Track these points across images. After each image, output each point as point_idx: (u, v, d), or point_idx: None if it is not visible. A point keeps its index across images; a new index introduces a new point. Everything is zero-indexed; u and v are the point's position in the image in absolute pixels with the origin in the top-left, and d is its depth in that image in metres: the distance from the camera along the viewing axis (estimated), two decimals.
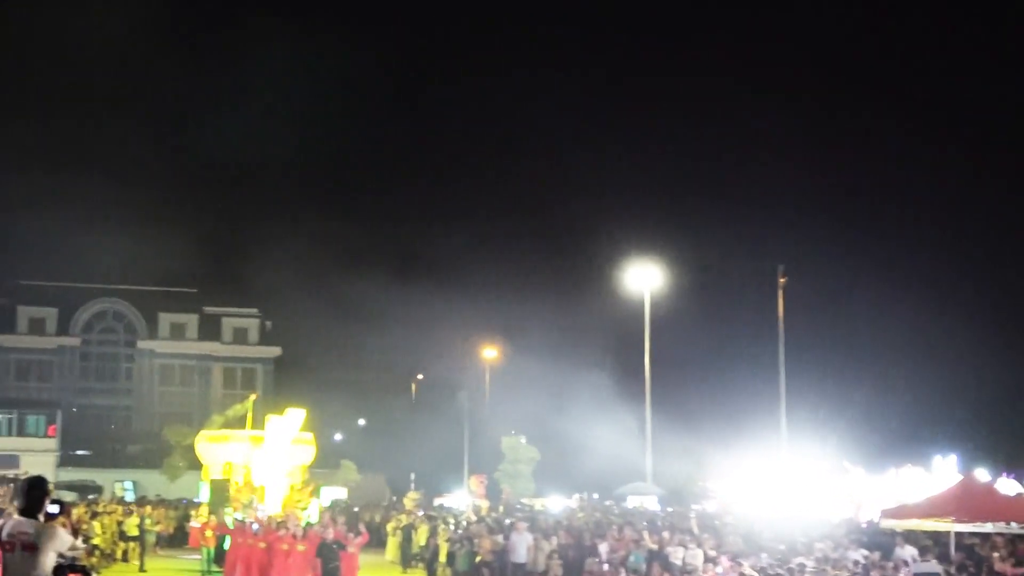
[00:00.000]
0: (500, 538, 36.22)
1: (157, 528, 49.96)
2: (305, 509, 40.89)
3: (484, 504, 51.89)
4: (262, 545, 32.04)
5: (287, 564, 30.77)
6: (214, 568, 38.09)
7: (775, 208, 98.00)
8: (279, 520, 33.85)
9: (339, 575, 30.59)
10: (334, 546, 31.06)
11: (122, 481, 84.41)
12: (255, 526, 34.31)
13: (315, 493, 45.16)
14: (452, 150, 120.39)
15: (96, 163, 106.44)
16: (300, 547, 30.94)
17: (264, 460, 44.21)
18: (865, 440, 56.76)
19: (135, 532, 44.68)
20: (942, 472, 42.45)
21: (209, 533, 39.09)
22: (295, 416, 45.27)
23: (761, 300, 62.42)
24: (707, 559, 33.45)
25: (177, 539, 52.36)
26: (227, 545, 37.88)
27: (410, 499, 60.06)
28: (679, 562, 33.47)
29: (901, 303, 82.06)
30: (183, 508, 57.08)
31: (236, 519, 36.50)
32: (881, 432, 60.97)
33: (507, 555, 35.44)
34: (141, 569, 41.32)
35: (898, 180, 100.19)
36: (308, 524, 34.98)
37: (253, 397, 58.91)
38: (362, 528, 36.02)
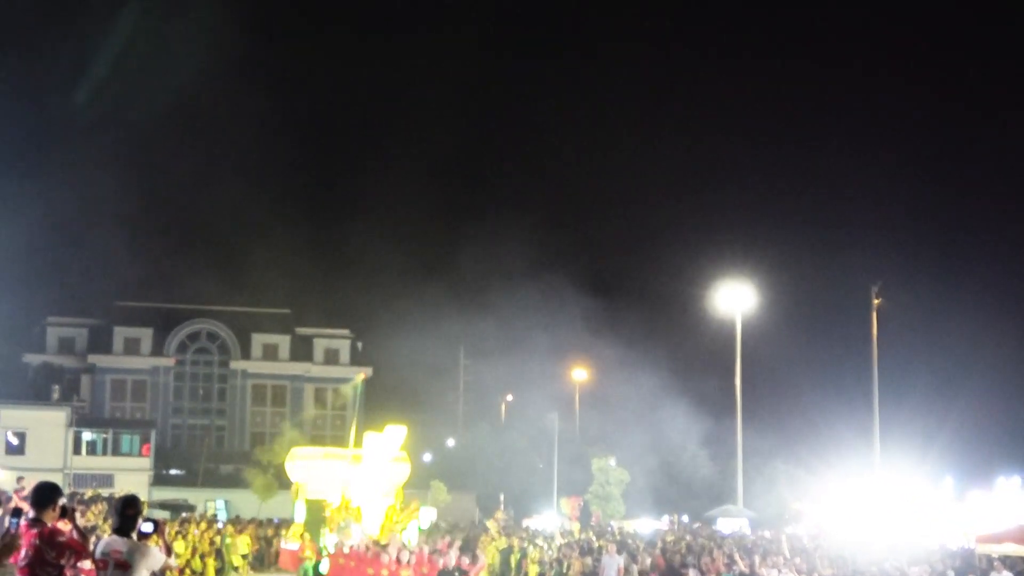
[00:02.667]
0: (590, 560, 36.11)
1: (244, 548, 49.30)
2: (404, 531, 39.03)
3: (575, 526, 51.61)
4: (370, 571, 29.98)
5: None
6: None
7: (870, 228, 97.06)
8: (383, 543, 32.59)
9: None
10: (455, 574, 28.84)
11: (214, 500, 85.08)
12: (350, 548, 33.06)
13: (415, 515, 42.23)
14: (541, 170, 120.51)
15: (190, 186, 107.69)
16: (404, 573, 29.28)
17: (361, 479, 42.20)
18: (957, 463, 55.93)
19: (229, 551, 44.88)
20: (1007, 493, 41.86)
21: (309, 554, 37.62)
22: (395, 433, 43.06)
23: (855, 321, 61.84)
24: None
25: (268, 560, 51.09)
26: (323, 568, 37.01)
27: (494, 520, 59.88)
28: None
29: (995, 325, 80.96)
30: (273, 528, 57.01)
31: (338, 543, 34.87)
32: (974, 454, 59.97)
33: None
34: None
35: (992, 201, 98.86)
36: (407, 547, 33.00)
37: (362, 376, 57.77)
38: (480, 554, 34.28)
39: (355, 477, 42.42)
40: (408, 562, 29.40)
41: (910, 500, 46.46)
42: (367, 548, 31.90)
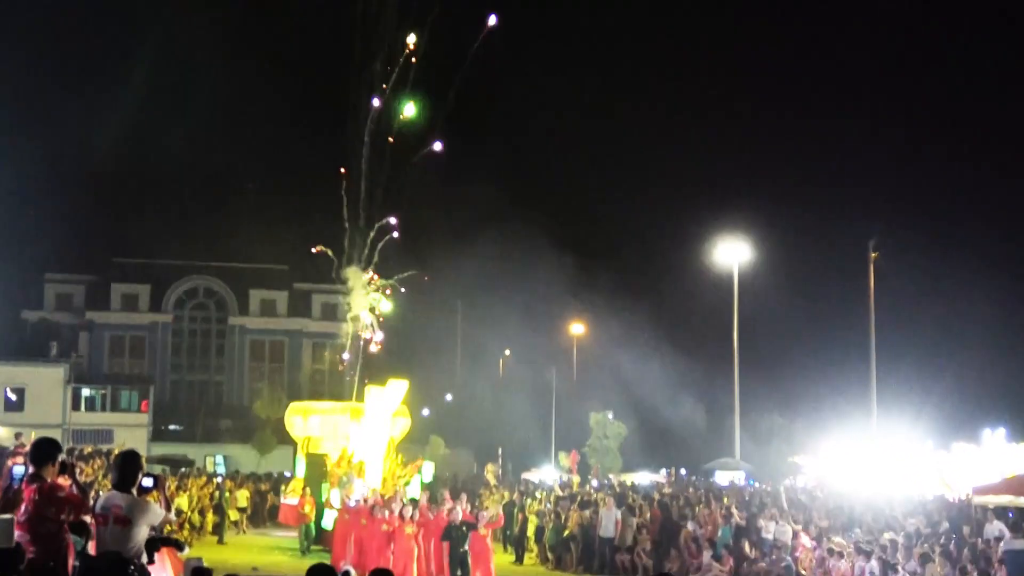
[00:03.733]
0: (588, 513, 36.24)
1: (243, 503, 49.10)
2: (408, 485, 38.30)
3: (575, 479, 51.79)
4: (384, 527, 29.27)
5: (403, 546, 28.78)
6: (314, 547, 36.58)
7: (867, 183, 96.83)
8: (387, 498, 31.91)
9: (468, 561, 27.85)
10: (463, 528, 28.21)
11: (213, 456, 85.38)
12: (354, 503, 32.48)
13: (419, 469, 41.71)
14: (536, 123, 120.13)
15: (188, 141, 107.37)
16: (408, 529, 28.87)
17: (363, 434, 42.01)
18: (955, 417, 56.10)
19: (228, 506, 44.93)
20: (992, 446, 42.06)
21: (308, 509, 37.32)
22: (398, 388, 42.61)
23: (852, 276, 61.87)
24: (796, 534, 33.33)
25: (268, 515, 50.82)
26: (325, 522, 37.01)
27: (490, 471, 59.98)
28: (769, 537, 33.38)
29: (992, 280, 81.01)
30: (268, 483, 57.06)
31: (347, 498, 33.67)
32: (972, 409, 60.16)
33: (594, 530, 35.50)
34: (220, 541, 40.83)
35: (991, 157, 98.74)
36: (412, 500, 32.66)
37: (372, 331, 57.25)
38: (499, 511, 34.40)
39: (356, 431, 42.24)
40: (412, 517, 29.11)
41: (906, 453, 46.55)
42: (370, 502, 31.45)
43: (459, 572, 27.52)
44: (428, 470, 41.92)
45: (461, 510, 29.24)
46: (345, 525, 31.49)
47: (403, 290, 56.67)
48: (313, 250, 60.61)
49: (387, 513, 29.31)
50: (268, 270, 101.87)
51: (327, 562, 30.43)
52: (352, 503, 32.39)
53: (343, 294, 60.23)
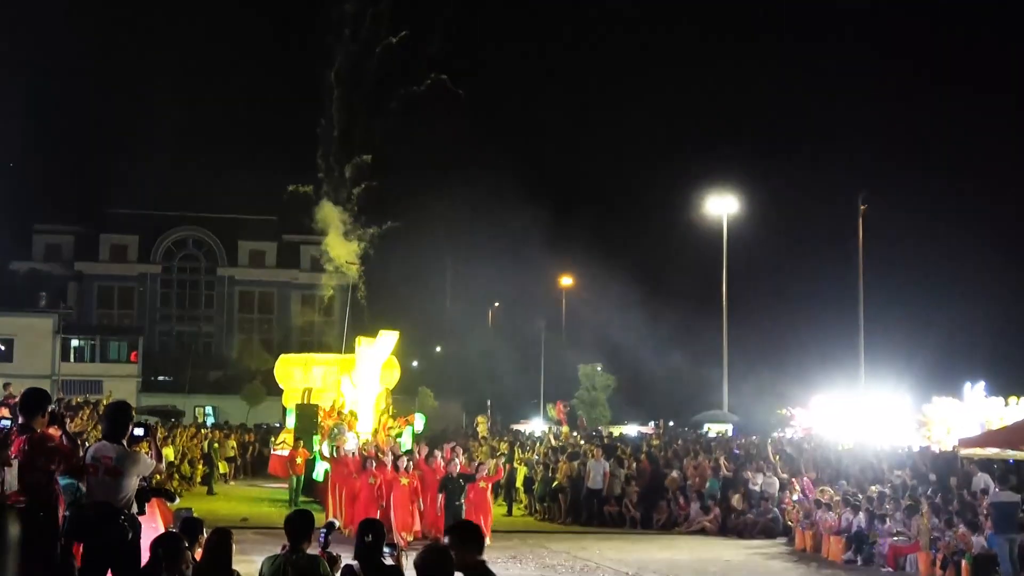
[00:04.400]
0: (576, 464, 36.36)
1: (230, 454, 49.03)
2: (399, 437, 37.72)
3: (565, 430, 51.79)
4: (372, 480, 28.63)
5: (398, 498, 28.18)
6: (303, 498, 36.16)
7: (857, 135, 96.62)
8: (380, 449, 31.14)
9: (462, 514, 26.91)
10: (460, 480, 27.86)
11: (203, 407, 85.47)
12: (349, 454, 31.74)
13: (410, 421, 41.14)
14: (527, 75, 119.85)
15: (178, 91, 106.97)
16: (404, 480, 28.38)
17: (353, 385, 41.69)
18: (937, 371, 56.22)
19: (217, 457, 45.05)
20: (972, 400, 42.24)
21: (299, 460, 36.88)
22: (388, 339, 42.27)
23: (841, 229, 61.89)
24: (784, 486, 33.51)
25: (257, 466, 50.62)
26: (316, 474, 36.86)
27: (481, 423, 59.99)
28: (756, 489, 33.57)
29: (980, 234, 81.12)
30: (254, 434, 57.13)
31: (340, 449, 32.75)
32: (954, 363, 60.24)
33: (583, 481, 35.63)
34: (210, 492, 40.89)
35: (980, 109, 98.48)
36: (407, 452, 32.03)
37: (357, 268, 56.78)
38: (498, 464, 34.05)
39: (346, 382, 42.05)
40: (405, 469, 28.78)
41: (894, 406, 46.67)
42: (362, 455, 30.92)
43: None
44: (419, 422, 41.67)
45: (459, 463, 28.85)
46: (336, 478, 31.01)
47: (377, 239, 56.35)
48: (289, 188, 60.33)
49: (375, 465, 28.86)
50: (257, 221, 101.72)
51: (321, 514, 30.54)
52: (344, 455, 31.79)
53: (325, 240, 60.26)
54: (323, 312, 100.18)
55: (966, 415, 41.25)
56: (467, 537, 8.45)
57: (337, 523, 13.37)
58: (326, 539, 10.17)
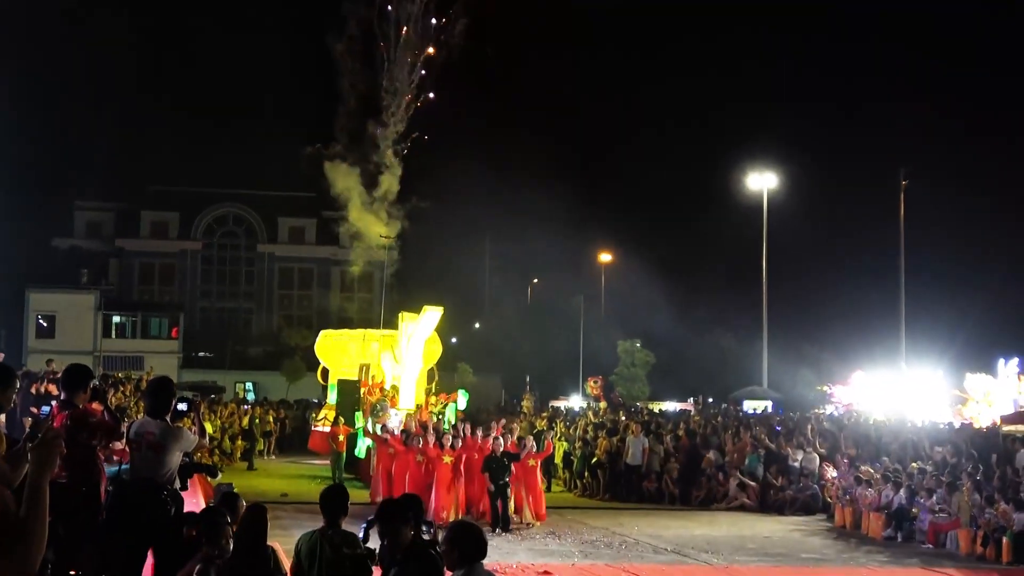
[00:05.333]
0: (615, 440, 36.38)
1: (269, 428, 49.07)
2: (442, 415, 37.45)
3: (603, 405, 51.80)
4: (419, 458, 28.25)
5: (440, 476, 27.54)
6: (345, 475, 35.53)
7: (898, 109, 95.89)
8: (425, 426, 30.64)
9: (507, 493, 26.63)
10: (504, 459, 26.89)
11: (243, 382, 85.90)
12: (393, 432, 31.12)
13: (453, 398, 40.56)
14: (566, 53, 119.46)
15: (218, 68, 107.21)
16: (446, 459, 27.62)
17: (396, 361, 41.31)
18: (984, 347, 55.91)
19: (257, 432, 45.25)
20: (1007, 376, 42.01)
21: (341, 437, 36.38)
22: (432, 315, 41.38)
23: (882, 205, 61.60)
24: (824, 462, 33.45)
25: (298, 442, 50.61)
26: (358, 451, 36.86)
27: (527, 400, 60.03)
28: (796, 465, 33.52)
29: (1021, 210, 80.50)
30: (302, 409, 57.27)
31: (385, 427, 32.28)
32: (991, 339, 59.88)
33: (621, 457, 35.65)
34: (250, 468, 41.09)
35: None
36: (452, 426, 31.72)
37: (390, 239, 56.05)
38: (547, 440, 32.85)
39: (387, 358, 41.85)
40: (451, 446, 28.11)
41: (936, 383, 46.49)
42: (406, 432, 30.46)
43: (499, 503, 26.37)
44: (462, 399, 41.34)
45: (503, 441, 27.72)
46: (380, 455, 30.65)
47: (414, 214, 56.01)
48: (309, 149, 59.88)
49: (421, 442, 28.38)
50: (297, 198, 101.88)
51: (363, 491, 30.43)
52: (385, 432, 31.40)
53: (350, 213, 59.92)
54: (363, 288, 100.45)
55: (1000, 391, 41.11)
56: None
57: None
58: (366, 533, 10.18)
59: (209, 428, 37.64)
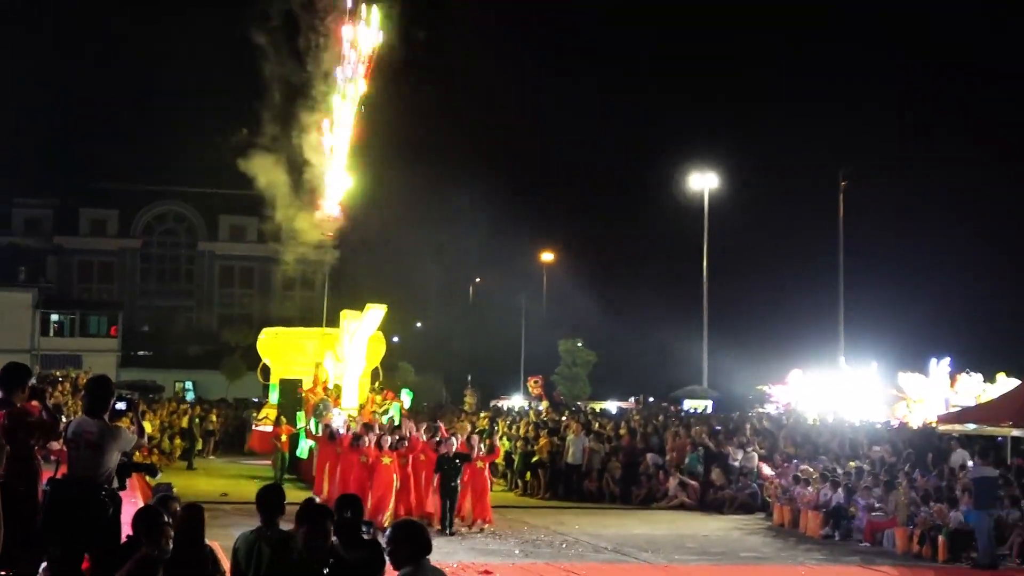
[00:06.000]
0: (556, 439, 36.43)
1: (211, 427, 48.64)
2: (385, 414, 36.48)
3: (545, 404, 51.88)
4: (363, 458, 27.27)
5: (382, 478, 26.69)
6: (287, 476, 35.23)
7: (839, 110, 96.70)
8: (369, 426, 29.69)
9: (456, 496, 26.27)
10: (456, 460, 26.47)
11: (183, 381, 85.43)
12: (337, 431, 30.34)
13: (397, 398, 39.75)
14: (510, 53, 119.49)
15: (160, 65, 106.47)
16: (386, 460, 26.78)
17: (338, 360, 40.92)
18: (922, 346, 56.48)
19: (197, 432, 44.89)
20: (937, 375, 42.56)
21: (284, 437, 36.07)
22: (375, 313, 41.08)
23: (822, 205, 62.04)
24: (763, 461, 33.68)
25: (237, 441, 50.20)
26: (300, 451, 36.13)
27: (468, 398, 60.04)
28: (736, 464, 33.71)
29: (961, 209, 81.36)
30: (243, 409, 56.90)
31: (327, 426, 31.66)
32: (925, 339, 60.50)
33: (562, 456, 35.71)
34: (189, 467, 40.71)
35: (963, 86, 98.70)
36: (395, 427, 30.35)
37: (332, 236, 55.68)
38: (495, 442, 30.97)
39: (329, 357, 41.32)
40: (390, 447, 27.20)
41: (873, 382, 46.85)
42: (350, 432, 29.68)
43: (448, 504, 25.95)
44: (406, 398, 40.96)
45: (456, 441, 27.37)
46: (323, 455, 30.29)
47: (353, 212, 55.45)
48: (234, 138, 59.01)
49: (366, 442, 27.53)
50: (238, 196, 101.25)
51: (305, 492, 30.08)
52: (330, 431, 30.73)
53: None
54: (304, 287, 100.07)
55: (932, 391, 41.57)
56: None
57: (318, 500, 13.29)
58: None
59: (148, 427, 37.59)
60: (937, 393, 41.19)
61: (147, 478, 16.42)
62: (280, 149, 55.15)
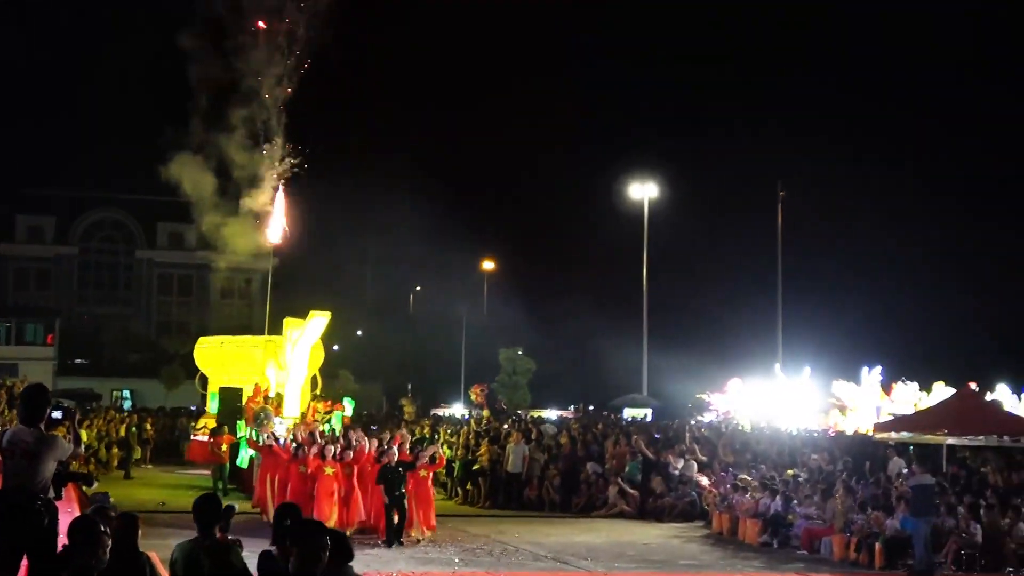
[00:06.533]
0: (497, 448, 36.43)
1: (146, 436, 48.02)
2: (327, 423, 36.04)
3: (486, 413, 51.70)
4: (303, 468, 26.69)
5: (323, 488, 26.06)
6: (230, 486, 35.04)
7: (777, 122, 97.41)
8: (310, 435, 28.84)
9: (405, 504, 25.64)
10: (399, 469, 25.78)
11: (120, 390, 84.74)
12: (278, 441, 29.64)
13: (340, 407, 39.03)
14: (450, 63, 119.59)
15: (95, 69, 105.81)
16: (328, 470, 26.14)
17: (280, 368, 40.11)
18: (858, 355, 56.96)
19: (134, 441, 44.42)
20: (869, 384, 42.99)
21: (224, 447, 35.61)
22: (319, 321, 40.32)
23: (760, 214, 62.49)
24: (702, 469, 33.82)
25: (175, 451, 49.47)
26: (240, 461, 35.74)
27: (407, 406, 59.84)
28: (676, 472, 33.83)
29: (899, 217, 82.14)
30: (180, 418, 56.39)
31: (271, 436, 30.76)
32: (858, 347, 60.98)
33: (502, 465, 35.70)
34: (126, 477, 40.18)
35: (899, 97, 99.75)
36: (335, 437, 29.65)
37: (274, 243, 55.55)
38: (439, 451, 30.10)
39: (271, 365, 40.62)
40: (333, 457, 26.54)
41: (811, 391, 47.14)
42: (292, 441, 29.20)
43: (395, 516, 25.31)
44: (348, 407, 40.37)
45: (398, 450, 26.49)
46: (266, 466, 29.56)
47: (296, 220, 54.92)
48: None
49: (307, 452, 26.95)
50: (177, 203, 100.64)
51: (247, 502, 29.84)
52: (272, 441, 30.01)
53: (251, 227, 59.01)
54: (243, 295, 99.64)
55: (864, 399, 41.93)
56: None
57: (236, 507, 13.04)
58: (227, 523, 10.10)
59: (85, 436, 37.22)
60: (869, 401, 41.55)
61: (83, 487, 16.28)
62: (210, 154, 54.81)
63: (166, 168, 54.19)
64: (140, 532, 9.78)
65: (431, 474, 28.10)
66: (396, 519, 25.42)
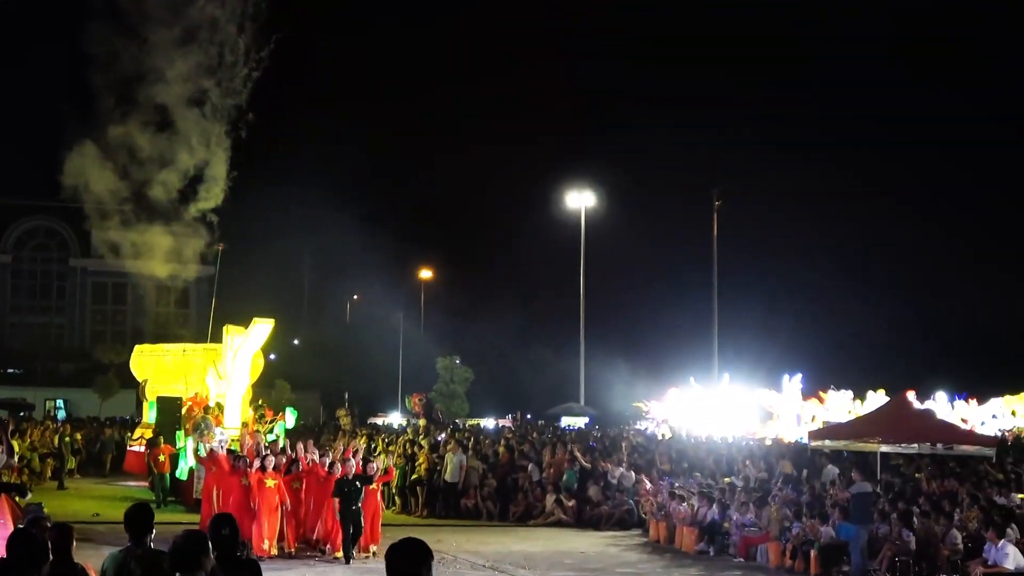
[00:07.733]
0: (435, 457, 36.40)
1: (78, 445, 47.35)
2: (270, 433, 35.36)
3: (423, 422, 51.67)
4: (244, 481, 25.32)
5: (266, 501, 24.90)
6: (169, 498, 34.53)
7: (713, 131, 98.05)
8: (253, 446, 27.72)
9: (361, 519, 24.70)
10: (357, 483, 24.90)
11: (54, 399, 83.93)
12: (219, 452, 28.24)
13: (282, 418, 38.58)
14: (386, 72, 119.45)
15: (29, 72, 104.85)
16: (269, 482, 24.97)
17: (220, 377, 39.07)
18: (790, 362, 57.48)
19: (68, 451, 43.97)
20: (791, 391, 43.44)
21: (162, 458, 34.93)
22: (262, 329, 39.22)
23: (696, 223, 62.81)
24: (639, 478, 33.93)
25: (110, 461, 48.14)
26: (180, 472, 34.87)
27: (342, 416, 59.60)
28: (613, 481, 33.95)
29: (833, 226, 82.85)
30: (117, 428, 55.71)
31: (216, 447, 29.61)
32: (808, 356, 61.50)
33: (439, 474, 35.65)
34: (60, 487, 39.40)
35: (833, 105, 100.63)
36: (283, 449, 29.00)
37: (221, 247, 54.97)
38: (389, 461, 30.37)
39: (211, 374, 39.57)
40: (274, 468, 25.52)
41: (747, 399, 47.48)
42: (234, 453, 27.97)
43: (351, 530, 24.47)
44: (290, 418, 39.72)
45: (355, 463, 25.71)
46: (209, 479, 28.21)
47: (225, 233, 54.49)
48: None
49: (248, 463, 25.74)
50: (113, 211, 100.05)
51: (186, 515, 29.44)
52: (212, 451, 28.92)
53: (188, 236, 58.63)
54: (178, 304, 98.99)
55: (784, 406, 42.32)
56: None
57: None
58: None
59: (17, 447, 36.75)
60: (789, 408, 41.95)
61: (17, 498, 16.09)
62: (124, 160, 54.37)
63: (67, 175, 53.20)
64: (74, 543, 9.70)
65: (379, 486, 27.50)
66: (353, 532, 24.61)
